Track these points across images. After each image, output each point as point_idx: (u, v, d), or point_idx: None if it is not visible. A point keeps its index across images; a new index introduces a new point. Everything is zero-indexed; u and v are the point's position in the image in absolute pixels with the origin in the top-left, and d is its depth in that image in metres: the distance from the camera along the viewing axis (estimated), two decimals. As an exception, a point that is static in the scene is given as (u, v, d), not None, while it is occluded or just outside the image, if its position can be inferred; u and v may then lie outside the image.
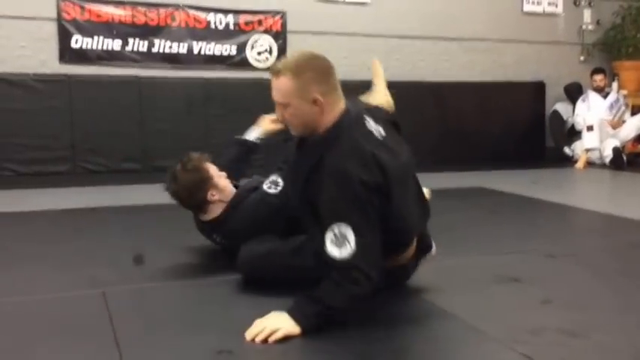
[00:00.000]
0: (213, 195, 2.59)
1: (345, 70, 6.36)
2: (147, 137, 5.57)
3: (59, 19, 5.26)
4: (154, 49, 5.58)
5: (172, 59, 5.65)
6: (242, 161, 3.05)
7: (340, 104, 2.03)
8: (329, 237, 1.87)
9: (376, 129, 2.05)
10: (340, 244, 1.86)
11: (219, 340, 1.82)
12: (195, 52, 5.71)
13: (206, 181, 2.59)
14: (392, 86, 2.51)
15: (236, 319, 1.99)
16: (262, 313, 1.91)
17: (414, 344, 1.85)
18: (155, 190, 4.65)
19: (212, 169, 2.65)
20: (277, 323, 1.84)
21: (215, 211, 2.62)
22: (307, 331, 1.84)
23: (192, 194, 2.58)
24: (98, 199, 4.26)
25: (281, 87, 1.96)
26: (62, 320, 2.03)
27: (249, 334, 1.84)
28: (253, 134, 3.05)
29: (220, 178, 2.65)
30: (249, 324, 1.89)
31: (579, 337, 1.87)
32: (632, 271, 2.69)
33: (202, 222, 2.68)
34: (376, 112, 2.19)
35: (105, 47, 5.42)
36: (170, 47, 5.62)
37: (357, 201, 1.88)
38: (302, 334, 1.84)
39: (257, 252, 2.34)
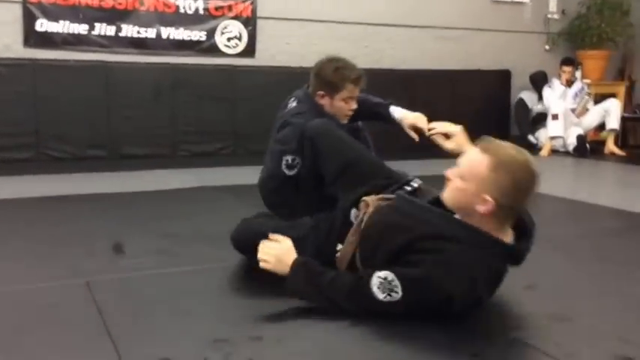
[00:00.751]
0: (321, 98, 2.75)
1: (314, 57, 6.26)
2: (113, 124, 5.45)
3: (24, 2, 5.07)
4: (122, 34, 5.43)
5: (140, 44, 5.51)
6: (371, 118, 3.01)
7: (506, 235, 1.85)
8: (381, 275, 1.80)
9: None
10: (383, 290, 1.80)
11: (213, 329, 1.80)
12: (164, 37, 5.58)
13: (330, 87, 2.72)
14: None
15: (229, 307, 1.98)
16: (255, 302, 1.91)
17: (403, 329, 1.84)
18: (123, 177, 4.64)
19: (347, 90, 2.72)
20: (275, 259, 1.91)
21: (313, 101, 2.77)
22: (289, 287, 1.90)
23: (316, 76, 2.79)
24: (65, 187, 4.15)
25: (474, 161, 1.81)
26: (47, 311, 1.97)
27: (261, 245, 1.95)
28: (397, 114, 2.96)
29: (344, 102, 2.74)
30: (243, 312, 1.89)
31: (568, 321, 1.91)
32: (607, 257, 2.76)
33: (304, 89, 2.86)
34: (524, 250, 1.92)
35: (71, 31, 5.26)
36: (138, 32, 5.48)
37: (426, 296, 1.78)
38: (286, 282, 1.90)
39: (253, 230, 2.30)
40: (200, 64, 5.72)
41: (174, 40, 5.62)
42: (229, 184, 4.36)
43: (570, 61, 6.91)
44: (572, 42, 7.43)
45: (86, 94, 5.31)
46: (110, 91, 5.42)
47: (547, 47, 7.43)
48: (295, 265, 1.91)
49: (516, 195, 1.77)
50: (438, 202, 1.93)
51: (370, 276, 1.83)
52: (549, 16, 7.38)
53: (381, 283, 1.80)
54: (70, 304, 2.05)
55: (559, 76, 6.87)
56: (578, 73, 7.02)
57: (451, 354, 1.67)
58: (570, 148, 6.63)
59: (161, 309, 2.00)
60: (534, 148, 6.87)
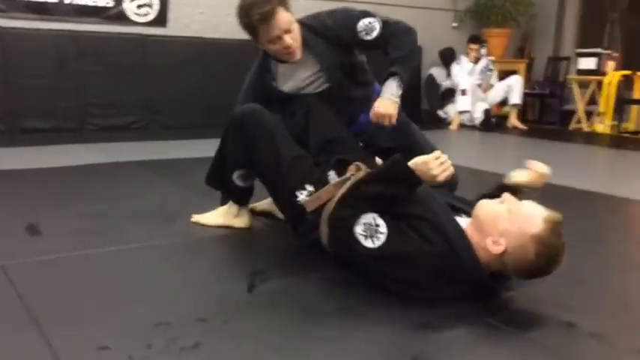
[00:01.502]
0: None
1: (227, 28, 6.16)
2: (12, 95, 5.09)
3: None
4: (19, -3, 5.07)
5: (39, 9, 5.15)
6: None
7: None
8: (379, 221, 1.81)
9: None
10: (365, 231, 1.80)
11: (152, 313, 1.69)
12: (66, 1, 5.24)
13: (248, 33, 2.43)
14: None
15: (165, 289, 1.88)
16: (193, 282, 1.82)
17: (351, 302, 1.82)
18: (26, 153, 4.34)
19: (262, 32, 2.37)
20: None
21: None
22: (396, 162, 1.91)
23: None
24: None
25: (531, 219, 1.71)
26: (-39, 299, 1.80)
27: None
28: (385, 89, 2.61)
29: (270, 43, 2.40)
30: (181, 293, 1.81)
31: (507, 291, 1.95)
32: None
33: None
34: None
35: (-39, -7, 4.85)
36: (37, -5, 5.14)
37: (391, 268, 1.81)
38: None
39: (264, 116, 2.30)
40: (107, 32, 5.43)
41: (77, 5, 5.30)
42: (144, 159, 4.18)
43: (477, 39, 7.13)
44: (478, 20, 7.64)
45: (-20, 63, 4.93)
46: (7, 59, 5.06)
47: (454, 24, 7.60)
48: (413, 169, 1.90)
49: (521, 267, 1.75)
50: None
51: (363, 213, 1.83)
52: (457, -7, 7.55)
53: (370, 225, 1.80)
54: (-14, 290, 1.88)
55: (467, 53, 7.07)
56: (484, 51, 7.25)
57: (401, 325, 1.67)
58: (477, 122, 6.88)
59: (90, 293, 1.86)
60: (443, 122, 7.08)
